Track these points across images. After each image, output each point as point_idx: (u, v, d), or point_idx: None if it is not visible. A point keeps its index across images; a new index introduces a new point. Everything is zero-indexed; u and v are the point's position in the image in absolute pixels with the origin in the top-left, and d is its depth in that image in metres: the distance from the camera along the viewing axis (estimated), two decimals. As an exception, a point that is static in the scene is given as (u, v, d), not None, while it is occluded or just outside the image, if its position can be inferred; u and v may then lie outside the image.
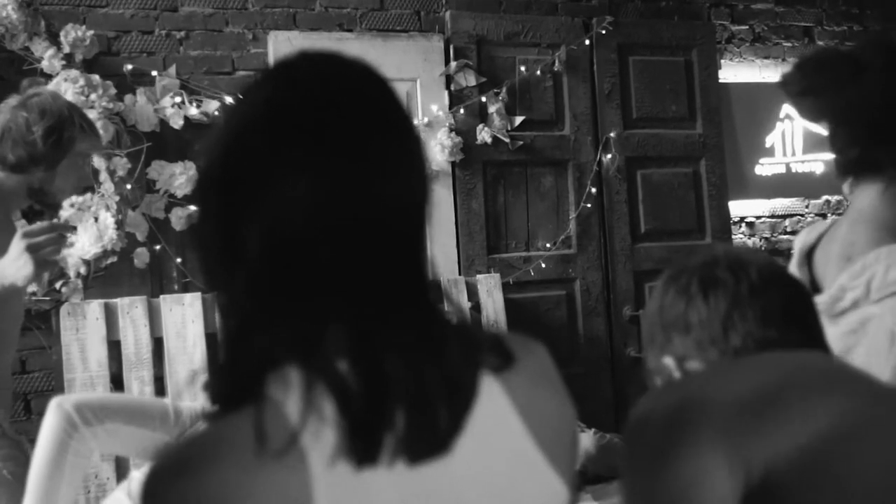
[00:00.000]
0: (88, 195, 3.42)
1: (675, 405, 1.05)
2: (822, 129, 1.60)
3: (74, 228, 3.38)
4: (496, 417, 0.87)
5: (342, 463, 0.79)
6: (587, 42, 4.31)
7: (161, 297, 3.47)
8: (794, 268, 1.59)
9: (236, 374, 0.84)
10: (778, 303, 1.16)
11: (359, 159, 0.84)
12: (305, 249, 0.82)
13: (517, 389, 0.90)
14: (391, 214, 0.85)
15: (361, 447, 0.80)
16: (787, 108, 4.73)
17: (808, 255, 1.61)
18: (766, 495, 0.96)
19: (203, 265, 0.88)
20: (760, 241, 4.84)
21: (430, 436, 0.82)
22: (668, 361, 1.22)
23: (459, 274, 4.02)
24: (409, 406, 0.81)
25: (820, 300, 1.45)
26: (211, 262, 0.88)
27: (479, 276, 3.99)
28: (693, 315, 1.17)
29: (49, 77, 3.40)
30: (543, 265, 4.17)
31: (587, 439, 3.29)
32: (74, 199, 3.37)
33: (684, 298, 1.19)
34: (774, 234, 4.89)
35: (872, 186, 1.50)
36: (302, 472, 0.78)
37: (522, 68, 4.18)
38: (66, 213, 3.36)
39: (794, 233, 4.91)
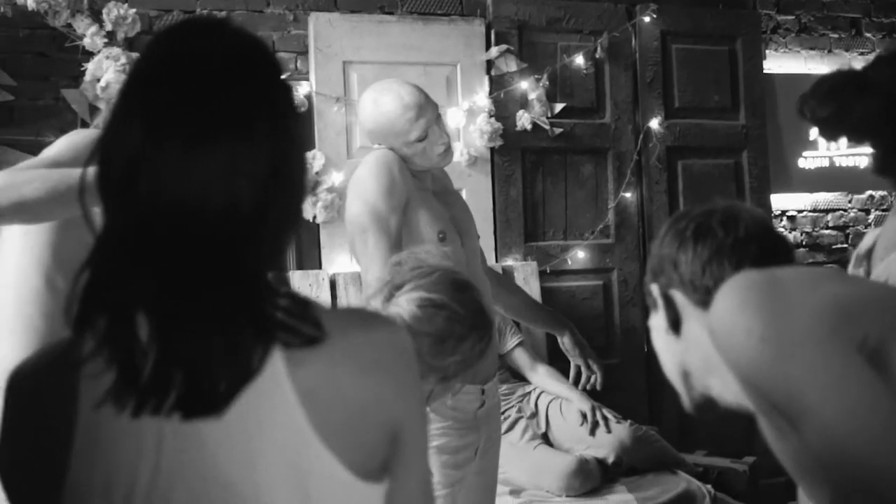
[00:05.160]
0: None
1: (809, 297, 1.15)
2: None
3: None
4: (271, 391, 0.91)
5: (109, 406, 0.90)
6: (630, 29, 4.26)
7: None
8: (851, 268, 1.64)
9: (79, 306, 0.93)
10: (754, 255, 1.32)
11: (190, 144, 0.91)
12: (135, 213, 0.91)
13: (307, 368, 0.92)
14: (221, 203, 0.91)
15: (127, 397, 0.89)
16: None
17: (868, 255, 1.66)
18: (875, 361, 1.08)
19: None
20: (801, 235, 4.76)
21: (204, 399, 0.90)
22: (654, 288, 1.39)
23: (496, 261, 3.98)
24: (188, 370, 0.90)
25: None
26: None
27: (515, 264, 3.96)
28: (682, 255, 1.35)
29: (91, 55, 3.40)
30: (581, 254, 4.14)
31: (622, 430, 3.27)
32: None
33: (679, 240, 1.36)
34: (816, 229, 4.81)
35: None
36: (71, 404, 0.92)
37: (564, 55, 4.15)
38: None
39: (835, 228, 4.84)
